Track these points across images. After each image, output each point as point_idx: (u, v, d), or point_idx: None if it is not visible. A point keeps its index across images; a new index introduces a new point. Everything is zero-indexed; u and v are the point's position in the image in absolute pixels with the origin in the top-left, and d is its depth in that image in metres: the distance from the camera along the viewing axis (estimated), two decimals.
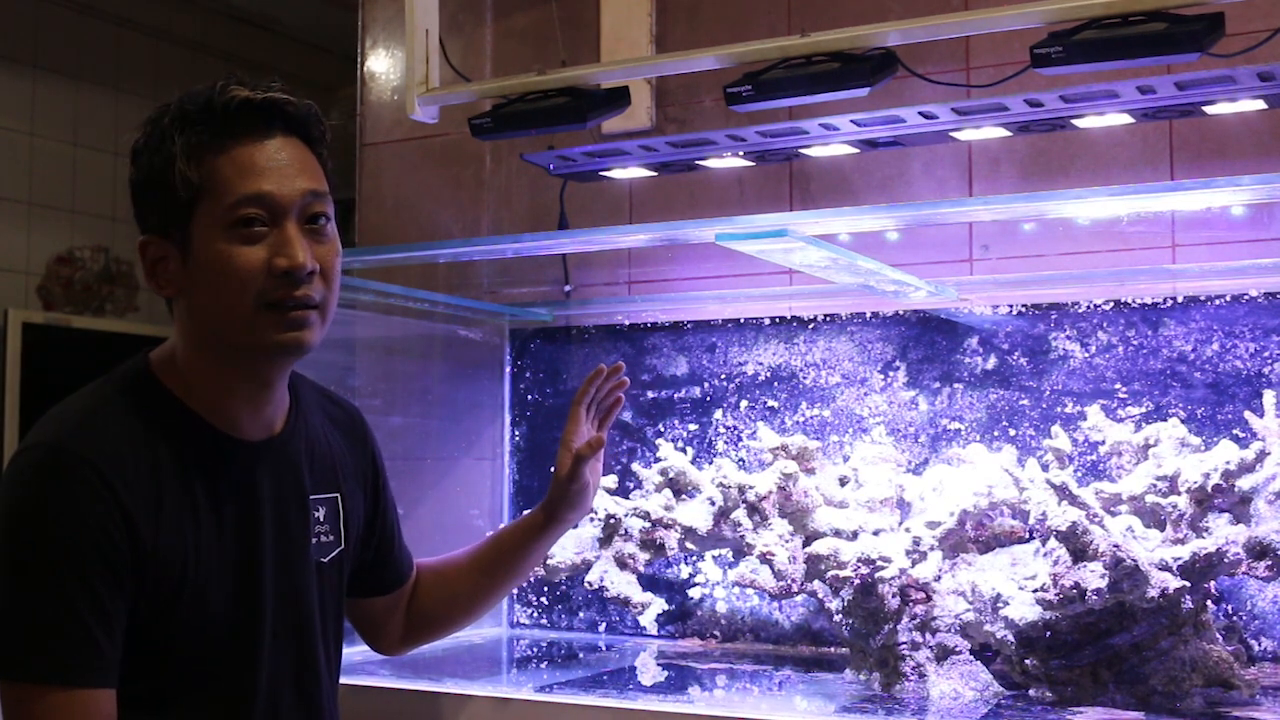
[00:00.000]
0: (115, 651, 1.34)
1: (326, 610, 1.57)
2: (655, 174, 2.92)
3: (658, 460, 2.59)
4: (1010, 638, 2.07)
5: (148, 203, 1.43)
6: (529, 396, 3.13)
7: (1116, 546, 1.94)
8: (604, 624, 2.99)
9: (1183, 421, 2.33)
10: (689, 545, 2.52)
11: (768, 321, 2.89)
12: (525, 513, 1.80)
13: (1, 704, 1.32)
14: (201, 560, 1.41)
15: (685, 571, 2.88)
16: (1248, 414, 2.20)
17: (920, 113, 2.49)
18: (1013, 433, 2.63)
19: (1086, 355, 2.58)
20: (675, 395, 2.96)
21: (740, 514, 2.39)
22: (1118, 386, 2.55)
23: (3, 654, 1.31)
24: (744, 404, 2.89)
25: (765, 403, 2.87)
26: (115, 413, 1.41)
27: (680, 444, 2.87)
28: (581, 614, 3.01)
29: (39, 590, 1.30)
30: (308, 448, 1.56)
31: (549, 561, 2.54)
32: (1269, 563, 2.01)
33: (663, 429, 2.96)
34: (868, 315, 2.78)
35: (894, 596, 2.15)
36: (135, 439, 1.39)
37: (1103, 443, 2.37)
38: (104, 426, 1.38)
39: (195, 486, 1.42)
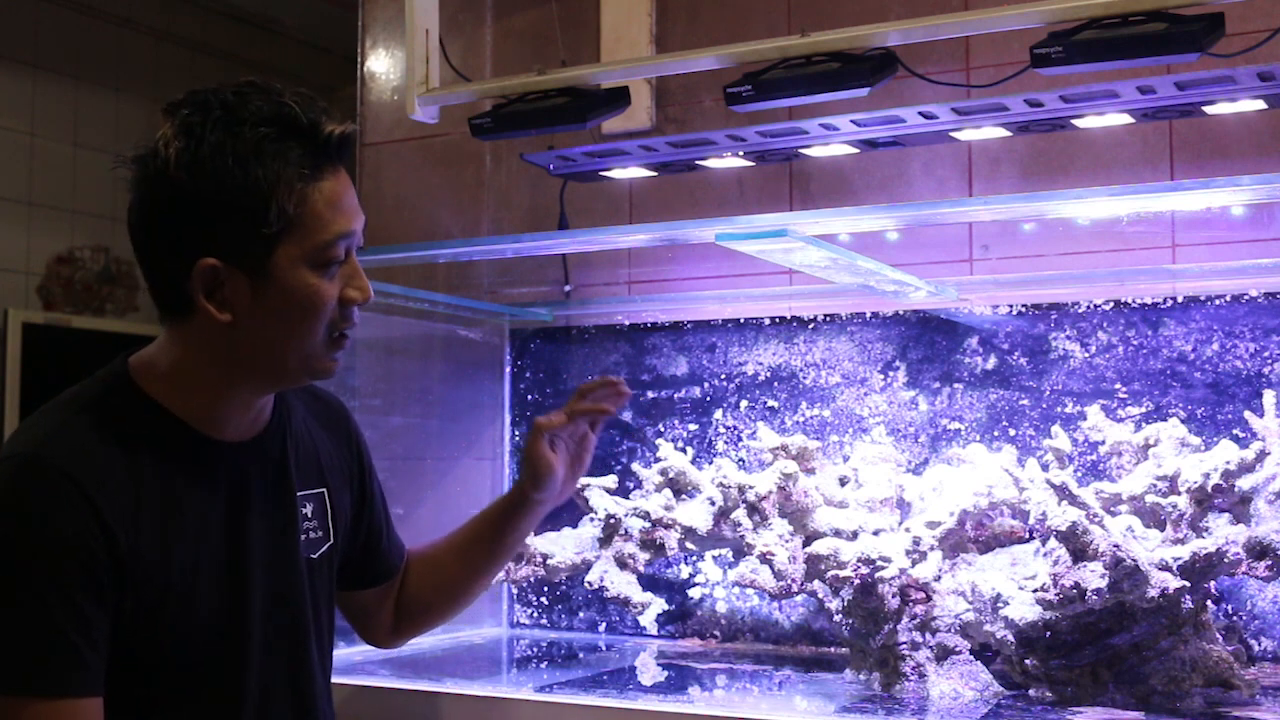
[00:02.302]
0: (99, 660, 1.33)
1: (318, 607, 1.56)
2: (655, 174, 2.92)
3: (658, 460, 2.59)
4: (1010, 638, 2.07)
5: (216, 224, 1.36)
6: (529, 396, 3.13)
7: (1116, 546, 1.94)
8: (604, 624, 2.99)
9: (1183, 421, 2.33)
10: (689, 545, 2.52)
11: (768, 321, 2.89)
12: (502, 496, 1.79)
13: None
14: (185, 564, 1.40)
15: (685, 571, 2.88)
16: (1248, 414, 2.20)
17: (920, 113, 2.49)
18: (1013, 433, 2.63)
19: (1086, 355, 2.58)
20: (675, 395, 2.96)
21: (740, 514, 2.38)
22: (1118, 386, 2.55)
23: None
24: (744, 404, 2.89)
25: (765, 403, 2.87)
26: (91, 419, 1.39)
27: (680, 444, 2.87)
28: (581, 614, 3.01)
29: (17, 602, 1.29)
30: (292, 444, 1.55)
31: (549, 561, 2.54)
32: (1269, 563, 2.01)
33: (663, 429, 2.96)
34: (868, 315, 2.78)
35: (894, 596, 2.15)
36: (111, 445, 1.37)
37: (1103, 443, 2.37)
38: (79, 434, 1.37)
39: (176, 490, 1.41)
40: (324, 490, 1.60)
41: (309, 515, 1.56)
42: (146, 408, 1.43)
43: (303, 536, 1.54)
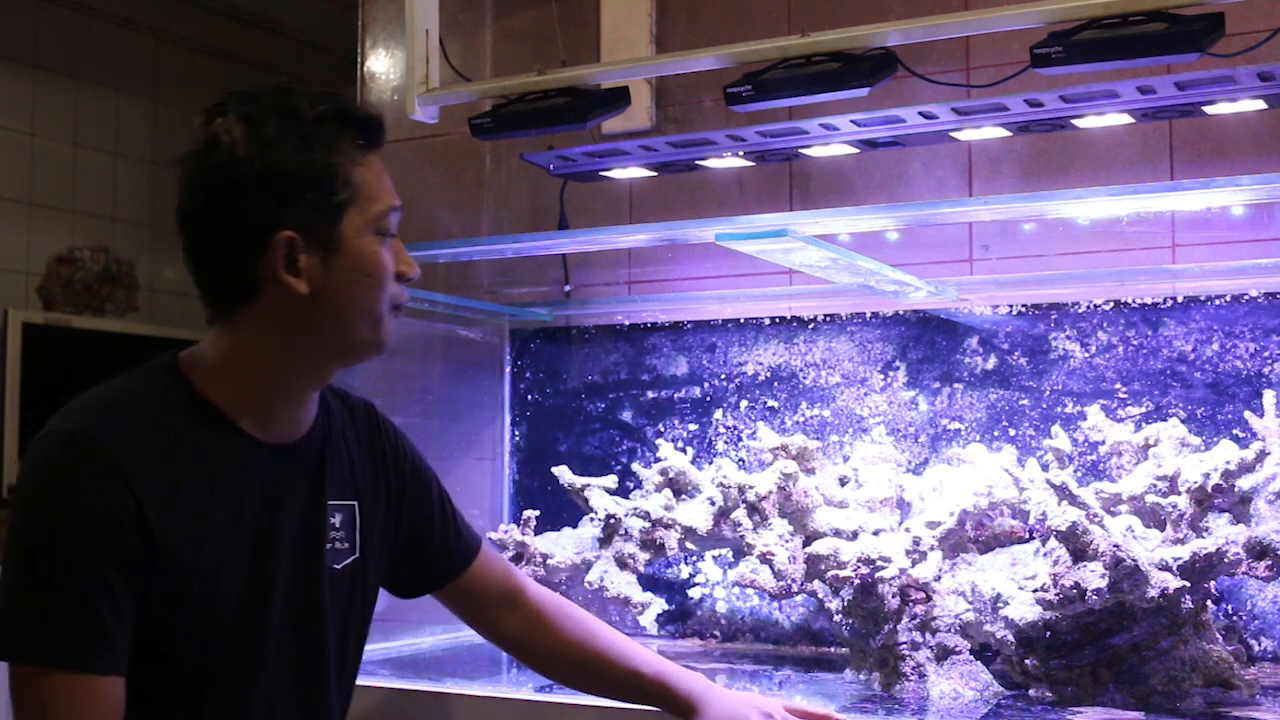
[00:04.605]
0: (125, 641, 1.34)
1: (338, 618, 1.56)
2: (655, 174, 2.92)
3: (658, 460, 2.59)
4: (1010, 638, 2.07)
5: (291, 197, 1.41)
6: (529, 396, 3.13)
7: (1116, 546, 1.94)
8: None
9: (1183, 421, 2.33)
10: (689, 545, 2.52)
11: (768, 321, 2.89)
12: (675, 684, 1.73)
13: (10, 686, 1.32)
14: (212, 560, 1.40)
15: (685, 571, 2.88)
16: (1248, 414, 2.20)
17: (920, 113, 2.49)
18: (1013, 433, 2.63)
19: (1086, 355, 2.58)
20: (675, 395, 2.96)
21: (740, 514, 2.38)
22: (1118, 386, 2.55)
23: (13, 636, 1.31)
24: (744, 404, 2.89)
25: (765, 403, 2.87)
26: (139, 405, 1.40)
27: (680, 444, 2.87)
28: None
29: (51, 575, 1.31)
30: (330, 453, 1.56)
31: (549, 561, 2.54)
32: (1269, 563, 2.01)
33: (663, 429, 2.96)
34: (868, 315, 2.78)
35: (894, 596, 2.15)
36: (157, 433, 1.39)
37: (1103, 443, 2.37)
38: (125, 418, 1.38)
39: (214, 486, 1.41)
40: (355, 503, 1.59)
41: (336, 525, 1.56)
42: (195, 401, 1.44)
43: (328, 546, 1.54)
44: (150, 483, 1.35)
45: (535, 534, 2.58)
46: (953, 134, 2.56)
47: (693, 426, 2.94)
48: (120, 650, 1.33)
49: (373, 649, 2.55)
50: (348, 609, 1.58)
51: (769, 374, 2.87)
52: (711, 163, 2.83)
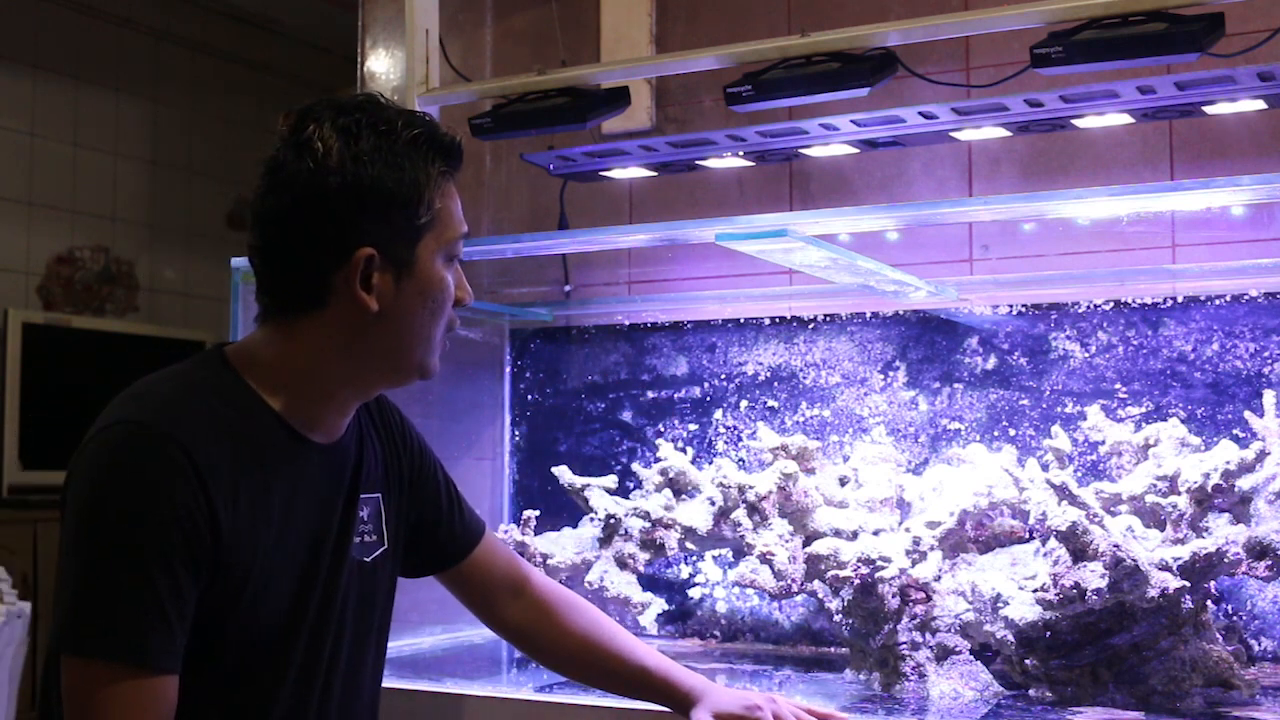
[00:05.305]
0: (185, 638, 1.33)
1: (364, 610, 1.56)
2: (655, 174, 2.92)
3: (658, 460, 2.58)
4: (1010, 638, 2.07)
5: (377, 215, 1.42)
6: (529, 396, 3.13)
7: (1116, 546, 1.94)
8: None
9: (1183, 421, 2.32)
10: (689, 545, 2.52)
11: (768, 321, 2.89)
12: (678, 679, 1.74)
13: (65, 680, 1.30)
14: (265, 559, 1.40)
15: (685, 571, 2.88)
16: (1248, 414, 2.20)
17: (920, 113, 2.49)
18: (1013, 433, 2.63)
19: (1086, 355, 2.58)
20: (675, 395, 2.96)
21: (740, 514, 2.38)
22: (1118, 386, 2.55)
23: (79, 631, 1.29)
24: (744, 404, 2.89)
25: (765, 403, 2.87)
26: (201, 398, 1.40)
27: (680, 444, 2.87)
28: None
29: (122, 570, 1.29)
30: (359, 449, 1.57)
31: (549, 561, 2.54)
32: (1269, 563, 2.01)
33: (663, 429, 2.96)
34: (868, 315, 2.78)
35: (894, 596, 2.15)
36: (219, 427, 1.38)
37: (1103, 443, 2.37)
38: (191, 410, 1.38)
39: (269, 485, 1.42)
40: (379, 495, 1.61)
41: (364, 519, 1.57)
42: (249, 397, 1.44)
43: (356, 539, 1.55)
44: (219, 479, 1.35)
45: (535, 534, 2.58)
46: (953, 134, 2.57)
47: (693, 426, 2.94)
48: (180, 648, 1.33)
49: None
50: (377, 601, 1.59)
51: (769, 374, 2.87)
52: (711, 163, 2.83)
